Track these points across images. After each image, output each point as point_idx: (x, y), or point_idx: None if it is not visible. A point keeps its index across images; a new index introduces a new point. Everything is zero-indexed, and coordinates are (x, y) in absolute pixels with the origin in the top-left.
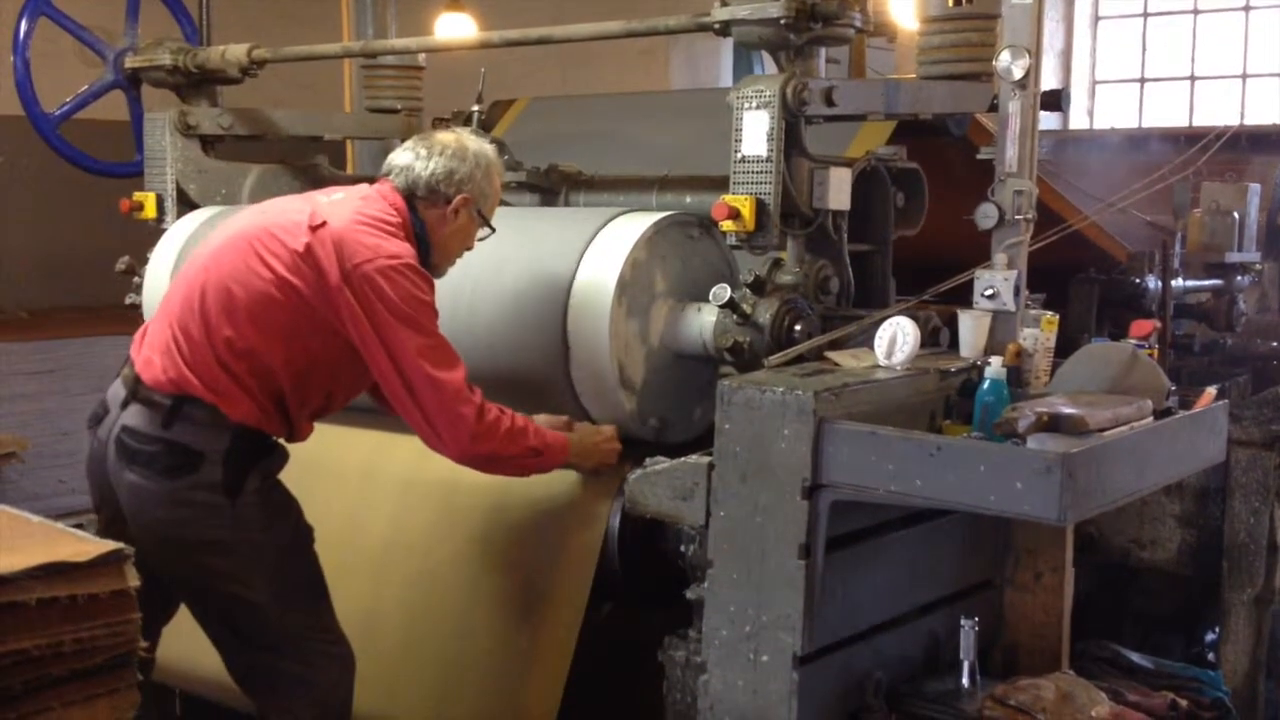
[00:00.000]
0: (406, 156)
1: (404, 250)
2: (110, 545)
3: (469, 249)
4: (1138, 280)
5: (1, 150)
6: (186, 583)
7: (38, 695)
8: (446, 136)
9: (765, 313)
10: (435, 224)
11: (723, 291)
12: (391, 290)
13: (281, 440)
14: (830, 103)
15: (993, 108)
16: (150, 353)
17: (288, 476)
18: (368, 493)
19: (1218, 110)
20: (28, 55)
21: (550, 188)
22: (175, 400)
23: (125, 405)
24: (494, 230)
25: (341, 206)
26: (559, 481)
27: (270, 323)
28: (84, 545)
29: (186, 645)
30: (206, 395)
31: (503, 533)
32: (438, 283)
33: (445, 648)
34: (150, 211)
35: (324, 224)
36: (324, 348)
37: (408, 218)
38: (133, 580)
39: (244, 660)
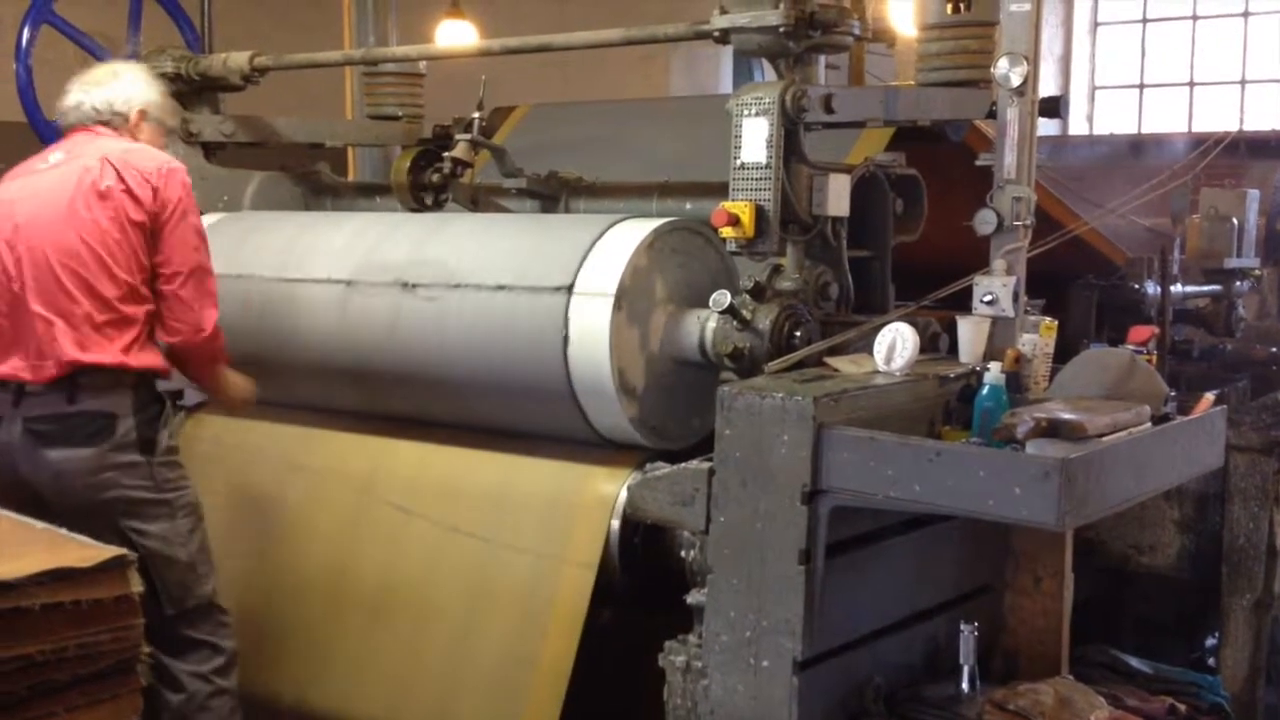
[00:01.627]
0: (73, 99)
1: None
2: (114, 551)
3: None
4: (1136, 286)
5: (3, 156)
6: None
7: (42, 700)
8: (96, 70)
9: (765, 319)
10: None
11: (723, 298)
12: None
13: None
14: (829, 109)
15: (991, 114)
16: (17, 353)
17: (290, 482)
18: (369, 499)
19: (1216, 116)
20: (30, 62)
21: (551, 194)
22: (69, 377)
23: (17, 404)
24: (177, 133)
25: (91, 150)
26: (561, 486)
27: (125, 261)
28: (88, 551)
29: None
30: (102, 358)
31: (503, 538)
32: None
33: (446, 654)
34: None
35: (107, 165)
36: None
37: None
38: (136, 586)
39: (162, 623)
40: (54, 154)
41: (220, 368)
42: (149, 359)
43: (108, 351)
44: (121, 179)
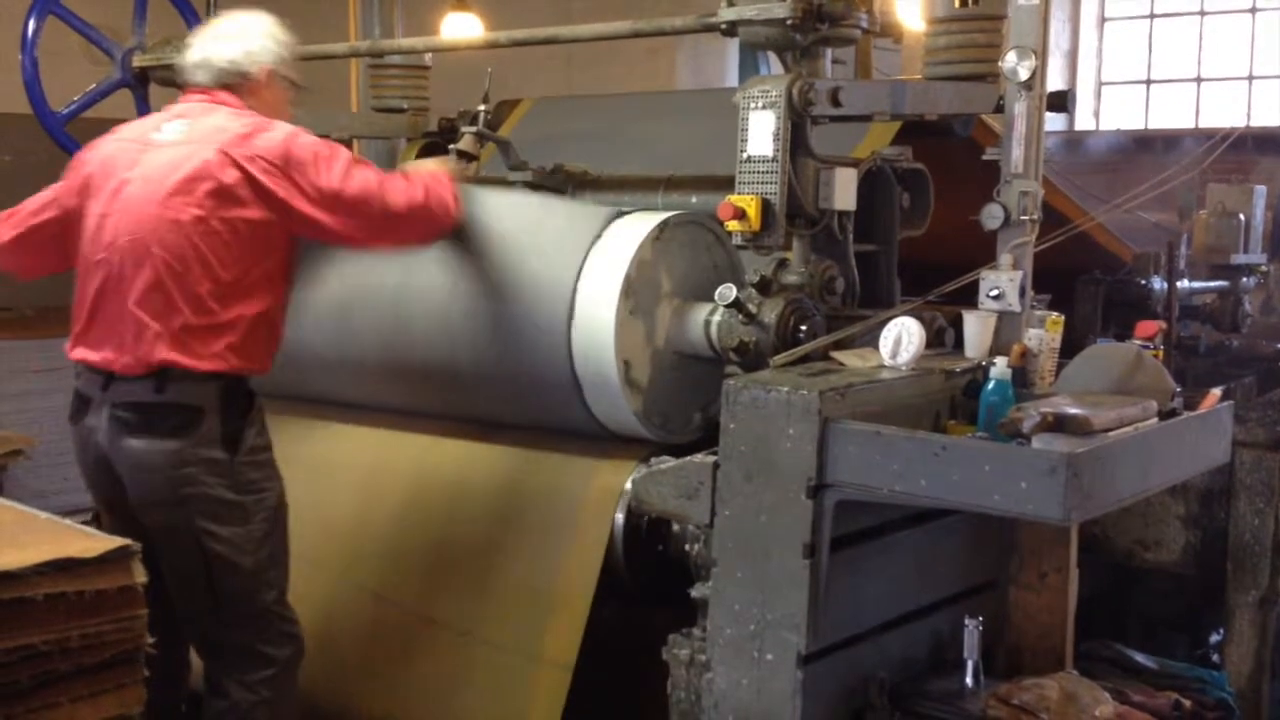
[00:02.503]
0: (197, 54)
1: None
2: (118, 541)
3: (287, 120)
4: (1143, 281)
5: (9, 149)
6: (181, 549)
7: (45, 690)
8: (222, 22)
9: (770, 313)
10: (258, 106)
11: (728, 291)
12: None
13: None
14: (836, 103)
15: (999, 109)
16: (110, 344)
17: (294, 475)
18: (374, 491)
19: (1224, 112)
20: (36, 54)
21: (556, 187)
22: (159, 373)
23: (106, 389)
24: (302, 86)
25: (210, 133)
26: (565, 480)
27: (235, 264)
28: (91, 541)
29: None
30: (196, 365)
31: (508, 532)
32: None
33: (450, 647)
34: None
35: (227, 162)
36: (276, 260)
37: (247, 113)
38: (140, 576)
39: (214, 630)
40: (172, 124)
41: (435, 204)
42: (246, 362)
43: (202, 358)
44: (244, 174)
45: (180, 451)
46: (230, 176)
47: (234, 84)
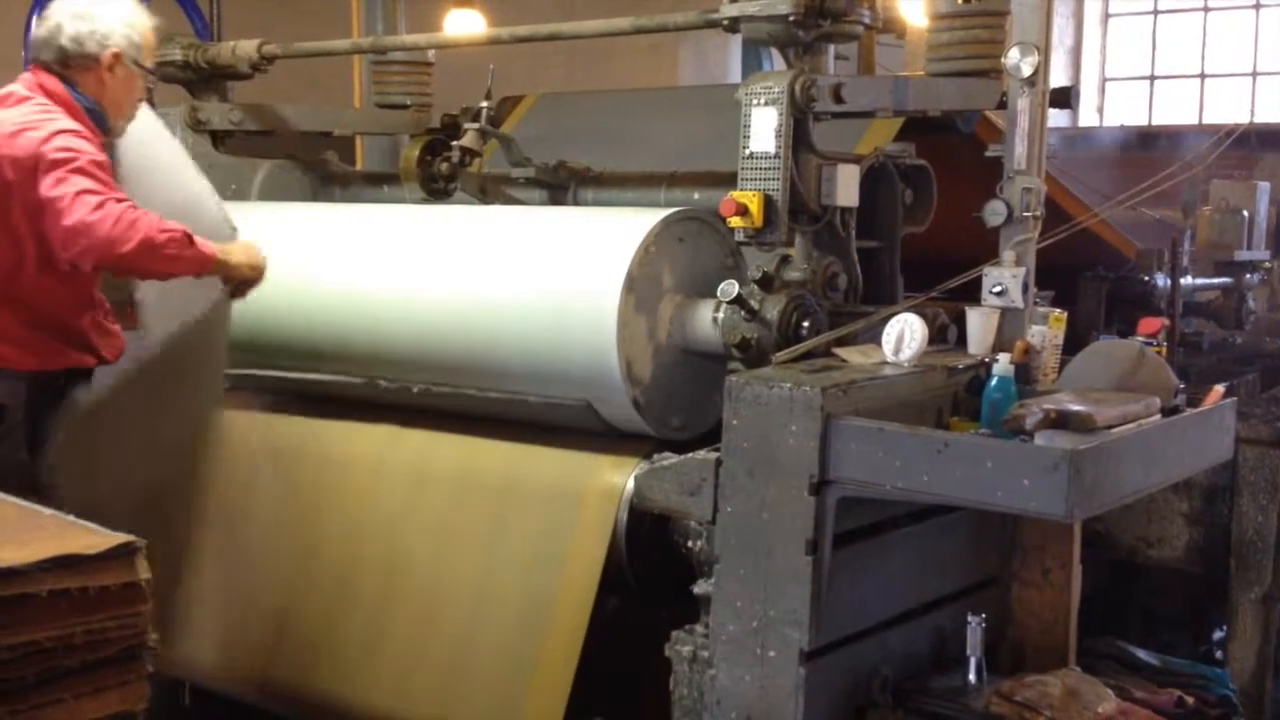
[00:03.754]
0: (47, 29)
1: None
2: (121, 538)
3: (141, 101)
4: (1146, 278)
5: None
6: None
7: (49, 686)
8: (78, 2)
9: (773, 309)
10: (96, 88)
11: (731, 288)
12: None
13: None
14: (839, 99)
15: (1002, 105)
16: None
17: (295, 472)
18: (375, 487)
19: (1228, 108)
20: None
21: (559, 184)
22: None
23: None
24: (155, 76)
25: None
26: (567, 476)
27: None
28: (95, 538)
29: (193, 638)
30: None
31: (510, 527)
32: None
33: (453, 644)
34: None
35: None
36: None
37: (65, 96)
38: (143, 573)
39: None
40: None
41: (186, 258)
42: (36, 360)
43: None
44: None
45: None
46: None
47: (75, 63)
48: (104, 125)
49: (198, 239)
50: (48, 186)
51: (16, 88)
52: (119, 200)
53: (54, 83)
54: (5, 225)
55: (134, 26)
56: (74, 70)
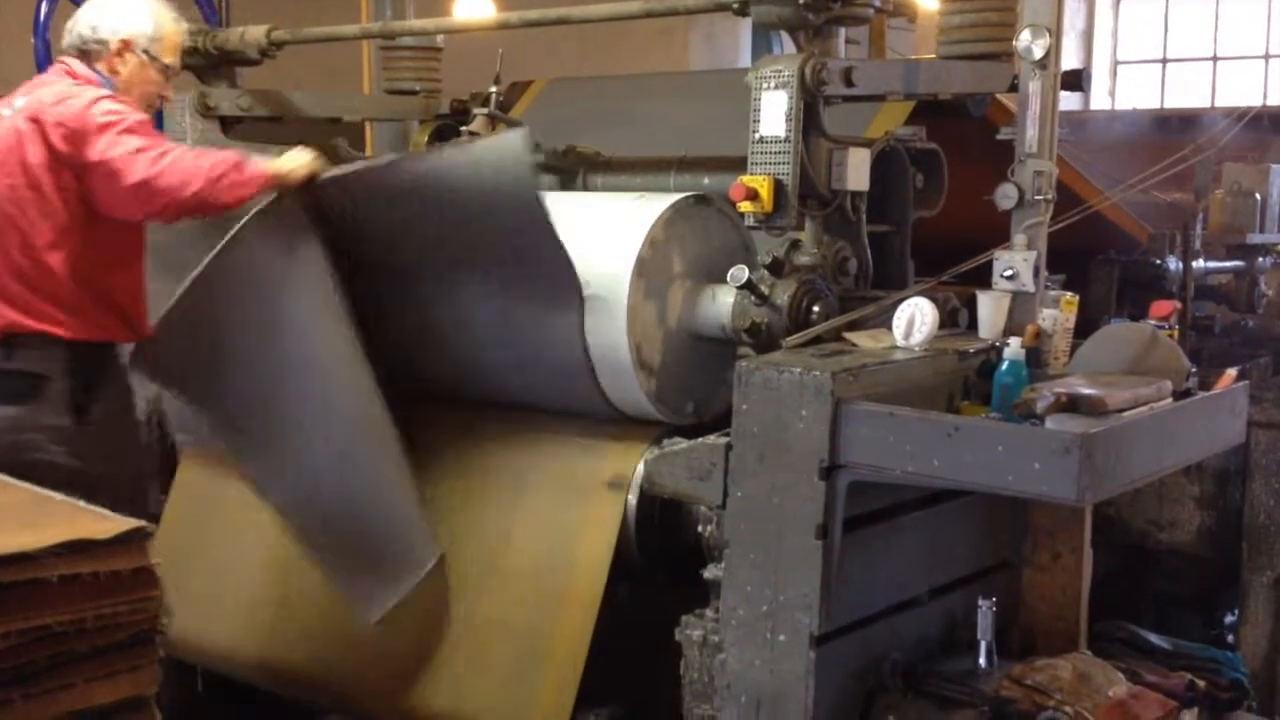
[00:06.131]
0: (69, 24)
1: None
2: (132, 522)
3: (164, 97)
4: (1158, 261)
5: None
6: None
7: (61, 671)
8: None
9: (783, 294)
10: (110, 74)
11: (741, 273)
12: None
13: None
14: (849, 83)
15: (1013, 88)
16: None
17: None
18: None
19: (1240, 90)
20: (48, 36)
21: (568, 169)
22: (5, 339)
23: None
24: (177, 69)
25: (32, 104)
26: (577, 461)
27: (48, 228)
28: (106, 523)
29: (205, 622)
30: (34, 325)
31: (520, 513)
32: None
33: (465, 629)
34: None
35: (37, 123)
36: (103, 227)
37: (92, 77)
38: (155, 558)
39: None
40: (19, 98)
41: (247, 180)
42: (87, 329)
43: (43, 321)
44: (47, 143)
45: (21, 418)
46: (37, 145)
47: (90, 50)
48: None
49: (246, 162)
50: (101, 150)
51: (45, 76)
52: (167, 151)
53: (79, 65)
54: (56, 188)
55: (149, 18)
56: (90, 57)
